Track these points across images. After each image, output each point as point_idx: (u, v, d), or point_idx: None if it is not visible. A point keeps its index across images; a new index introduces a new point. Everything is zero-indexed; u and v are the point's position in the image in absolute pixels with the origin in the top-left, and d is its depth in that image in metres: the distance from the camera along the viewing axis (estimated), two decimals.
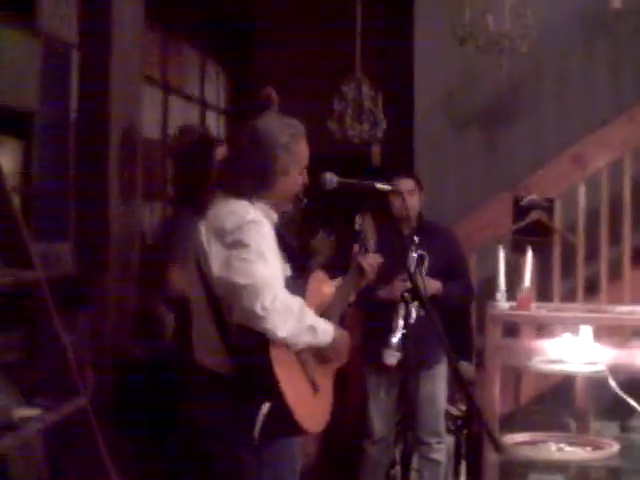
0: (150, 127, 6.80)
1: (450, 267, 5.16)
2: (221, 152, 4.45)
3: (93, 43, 5.83)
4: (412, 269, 4.33)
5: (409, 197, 5.11)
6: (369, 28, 6.81)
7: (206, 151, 4.64)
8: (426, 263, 4.79)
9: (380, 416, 5.24)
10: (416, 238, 4.77)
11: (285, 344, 3.20)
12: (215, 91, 8.59)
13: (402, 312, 4.58)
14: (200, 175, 4.60)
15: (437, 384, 5.17)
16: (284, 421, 3.22)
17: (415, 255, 4.73)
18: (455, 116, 6.89)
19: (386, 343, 4.46)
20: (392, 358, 4.41)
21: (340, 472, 5.71)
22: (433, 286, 4.92)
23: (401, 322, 4.43)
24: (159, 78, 7.16)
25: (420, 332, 4.10)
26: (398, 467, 5.54)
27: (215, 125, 8.35)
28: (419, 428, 5.10)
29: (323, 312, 3.44)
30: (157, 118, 7.13)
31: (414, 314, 4.10)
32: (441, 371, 5.18)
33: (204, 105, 8.23)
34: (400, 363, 4.42)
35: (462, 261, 5.40)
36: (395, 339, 4.47)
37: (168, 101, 7.28)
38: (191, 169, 4.72)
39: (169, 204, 6.78)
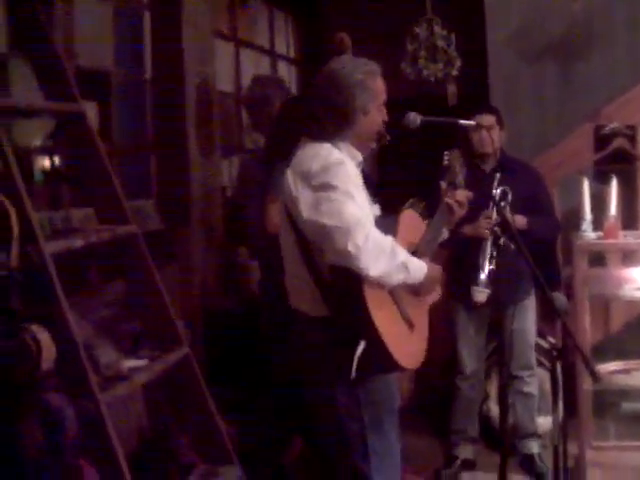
0: (223, 80, 6.83)
1: (534, 202, 5.13)
2: None
3: (163, 2, 5.89)
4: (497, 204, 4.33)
5: (490, 132, 5.08)
6: None
7: (295, 112, 4.65)
8: (509, 198, 4.76)
9: (470, 352, 5.26)
10: (497, 174, 4.76)
11: (378, 282, 3.23)
12: (285, 41, 8.59)
13: (489, 249, 4.60)
14: (291, 136, 4.63)
15: (527, 317, 5.17)
16: (380, 358, 3.25)
17: (498, 191, 4.72)
18: (529, 51, 6.79)
19: (475, 280, 4.47)
20: (481, 295, 4.42)
21: (433, 409, 5.76)
22: (518, 221, 4.89)
23: (488, 259, 4.45)
24: (229, 32, 7.19)
25: (508, 267, 4.10)
26: (490, 402, 5.59)
27: (287, 75, 8.35)
28: (510, 362, 5.11)
29: (415, 250, 3.45)
30: (229, 72, 7.17)
31: (502, 248, 4.09)
32: (529, 304, 5.18)
33: (275, 56, 8.24)
34: (489, 299, 4.44)
35: (546, 196, 5.36)
36: (483, 276, 4.48)
37: (239, 54, 7.30)
38: (282, 131, 4.74)
39: (252, 151, 6.80)
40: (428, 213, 3.67)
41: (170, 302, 4.18)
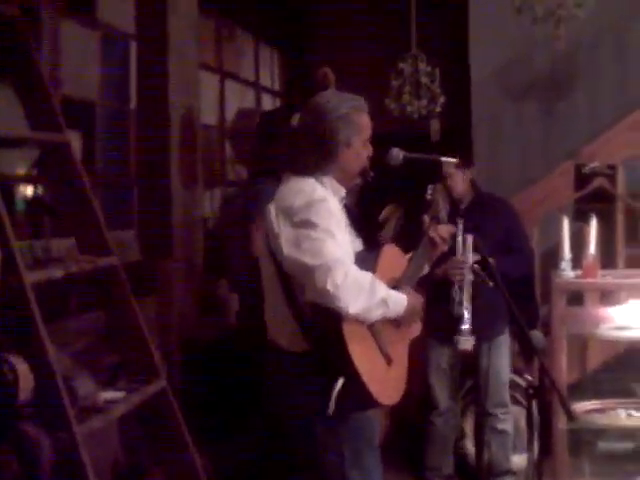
0: (208, 113, 6.86)
1: (507, 239, 5.15)
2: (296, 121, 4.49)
3: (150, 33, 5.91)
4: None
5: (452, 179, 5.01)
6: (423, 3, 6.80)
7: (280, 121, 4.69)
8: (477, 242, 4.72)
9: (443, 387, 5.27)
10: (460, 221, 4.71)
11: (357, 319, 3.24)
12: (270, 74, 8.63)
13: (466, 294, 4.59)
14: (278, 144, 4.66)
15: (501, 354, 5.19)
16: (359, 395, 3.24)
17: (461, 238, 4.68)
18: (512, 87, 6.86)
19: (458, 329, 4.44)
20: (467, 343, 4.39)
21: (409, 445, 5.75)
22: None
23: (466, 305, 4.41)
24: (214, 64, 7.22)
25: (484, 303, 4.11)
26: (466, 440, 5.59)
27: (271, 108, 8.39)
28: (485, 399, 5.13)
29: (396, 285, 3.46)
30: (214, 103, 7.20)
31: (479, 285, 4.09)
32: (504, 341, 5.20)
33: (259, 88, 8.28)
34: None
35: (519, 232, 5.37)
36: (466, 326, 4.45)
37: (224, 86, 7.34)
38: (269, 138, 4.77)
39: (234, 184, 6.83)
40: (410, 247, 3.68)
41: (149, 334, 4.17)
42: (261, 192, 4.37)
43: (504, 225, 5.16)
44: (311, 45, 8.51)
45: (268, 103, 8.46)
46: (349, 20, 7.93)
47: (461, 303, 4.35)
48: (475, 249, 4.05)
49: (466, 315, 4.42)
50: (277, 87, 8.79)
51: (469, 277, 4.10)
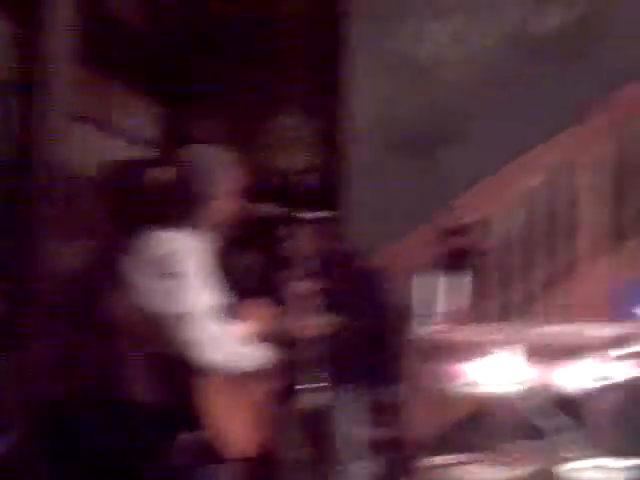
0: (82, 164, 6.80)
1: (366, 296, 5.19)
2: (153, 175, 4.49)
3: (23, 82, 5.87)
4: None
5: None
6: (301, 60, 6.87)
7: (139, 175, 4.67)
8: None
9: (293, 440, 5.25)
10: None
11: (217, 371, 3.24)
12: (147, 126, 8.60)
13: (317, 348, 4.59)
14: (134, 201, 4.63)
15: (353, 409, 5.18)
16: (216, 447, 3.27)
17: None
18: (387, 143, 6.96)
19: (308, 387, 4.44)
20: (316, 398, 4.39)
21: None
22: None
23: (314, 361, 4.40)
24: (91, 114, 7.18)
25: (339, 358, 4.12)
26: None
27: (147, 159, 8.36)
28: (333, 453, 5.12)
29: (258, 337, 3.48)
30: (89, 154, 7.14)
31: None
32: (353, 396, 5.20)
33: (136, 140, 8.24)
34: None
35: (376, 289, 5.40)
36: (314, 380, 4.44)
37: (100, 137, 7.29)
38: (126, 195, 4.75)
39: (107, 235, 6.77)
40: (273, 301, 3.71)
41: (4, 388, 4.10)
42: (120, 251, 4.36)
43: (360, 281, 5.20)
44: (187, 98, 8.52)
45: (142, 154, 8.41)
46: (226, 74, 7.97)
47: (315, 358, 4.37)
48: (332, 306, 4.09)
49: (317, 370, 4.44)
50: (155, 139, 8.75)
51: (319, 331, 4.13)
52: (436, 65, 6.10)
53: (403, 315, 5.68)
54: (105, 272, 4.60)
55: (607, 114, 6.15)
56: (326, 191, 6.68)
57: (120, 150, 7.87)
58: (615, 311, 4.67)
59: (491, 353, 5.14)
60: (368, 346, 3.80)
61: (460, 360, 5.49)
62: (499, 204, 6.20)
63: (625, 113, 6.14)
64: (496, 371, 4.99)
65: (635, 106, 6.11)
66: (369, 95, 6.91)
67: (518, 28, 6.72)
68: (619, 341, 4.66)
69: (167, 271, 3.26)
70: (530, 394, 4.85)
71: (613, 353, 4.76)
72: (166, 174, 3.52)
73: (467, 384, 5.00)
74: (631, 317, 4.41)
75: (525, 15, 6.03)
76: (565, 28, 5.73)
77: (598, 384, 4.74)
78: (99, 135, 7.34)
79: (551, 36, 6.29)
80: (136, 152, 8.25)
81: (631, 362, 4.66)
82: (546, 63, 6.77)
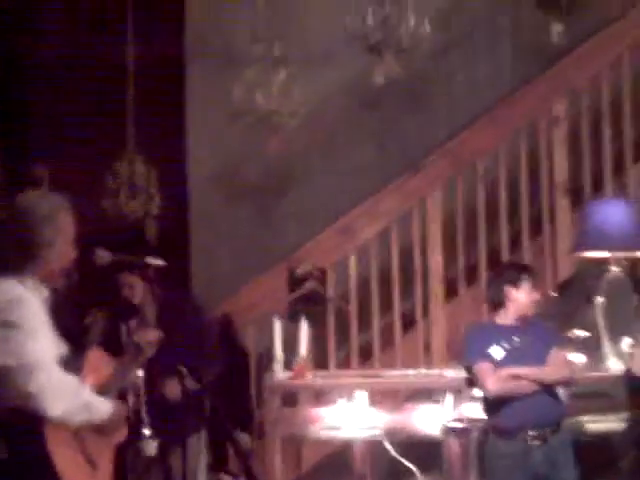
0: None
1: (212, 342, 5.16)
2: None
3: None
4: None
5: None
6: (140, 104, 6.83)
7: None
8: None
9: None
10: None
11: (60, 422, 3.15)
12: None
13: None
14: None
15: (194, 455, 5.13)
16: None
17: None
18: (228, 191, 6.98)
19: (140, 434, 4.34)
20: (151, 449, 4.30)
21: None
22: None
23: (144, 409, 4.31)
24: None
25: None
26: None
27: None
28: None
29: (101, 389, 3.40)
30: None
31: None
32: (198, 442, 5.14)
33: None
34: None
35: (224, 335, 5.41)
36: (147, 430, 4.34)
37: None
38: None
39: None
40: (117, 351, 3.65)
41: None
42: None
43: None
44: (30, 141, 8.32)
45: None
46: (65, 118, 7.83)
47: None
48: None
49: (147, 419, 4.34)
50: None
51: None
52: (273, 114, 6.14)
53: (255, 361, 5.72)
54: None
55: (444, 162, 6.36)
56: (167, 238, 6.63)
57: None
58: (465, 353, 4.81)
59: (343, 398, 5.22)
60: (218, 392, 3.76)
61: (316, 405, 5.56)
62: (338, 253, 6.30)
63: (461, 161, 6.36)
64: (350, 415, 5.07)
65: (471, 154, 6.34)
66: (210, 143, 6.93)
67: (355, 78, 6.86)
68: (470, 382, 4.81)
69: (5, 321, 3.17)
70: (385, 437, 4.94)
71: (468, 393, 4.91)
72: (3, 221, 3.43)
73: (324, 428, 5.06)
74: (484, 358, 4.55)
75: (362, 66, 6.16)
76: (402, 79, 5.86)
77: (453, 425, 4.88)
78: None
79: (388, 86, 6.50)
80: None
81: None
82: (384, 112, 6.96)
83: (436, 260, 6.28)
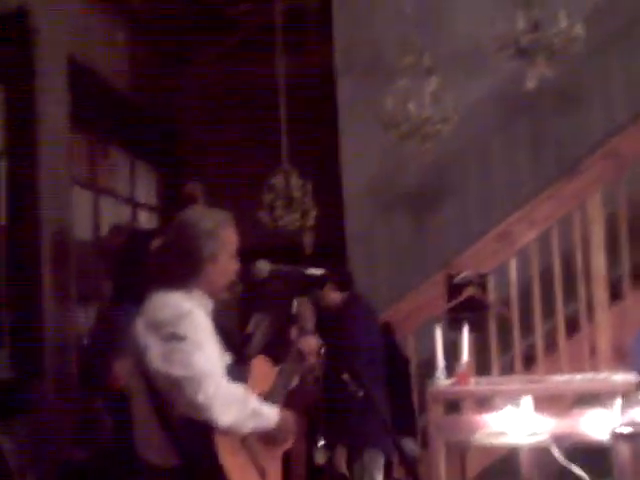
0: (82, 228, 6.80)
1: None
2: (157, 244, 4.46)
3: (20, 150, 5.87)
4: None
5: None
6: (294, 119, 6.94)
7: (142, 244, 4.65)
8: None
9: None
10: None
11: (230, 431, 3.21)
12: (146, 190, 8.63)
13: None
14: (138, 268, 4.61)
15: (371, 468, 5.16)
16: None
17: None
18: (383, 201, 7.01)
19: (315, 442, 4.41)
20: (321, 457, 4.36)
21: None
22: None
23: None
24: (88, 179, 7.20)
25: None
26: None
27: (147, 223, 8.37)
28: None
29: (266, 397, 3.45)
30: (88, 219, 7.15)
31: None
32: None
33: (135, 204, 8.27)
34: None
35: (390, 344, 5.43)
36: (322, 441, 4.40)
37: (99, 202, 7.31)
38: (129, 263, 4.72)
39: (108, 301, 6.77)
40: (279, 359, 3.69)
41: (20, 454, 4.04)
42: (120, 320, 4.33)
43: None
44: (186, 161, 8.56)
45: (145, 219, 8.44)
46: (222, 136, 8.03)
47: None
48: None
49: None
50: (153, 203, 8.78)
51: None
52: (426, 122, 6.14)
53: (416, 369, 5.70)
54: (110, 335, 4.59)
55: (604, 163, 6.22)
56: (324, 250, 6.70)
57: (122, 214, 7.88)
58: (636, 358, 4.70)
59: (507, 404, 5.15)
60: (384, 402, 3.76)
61: (480, 411, 5.50)
62: (497, 259, 6.24)
63: (623, 161, 6.20)
64: (516, 422, 4.98)
65: (633, 153, 6.18)
66: (363, 154, 6.98)
67: (507, 83, 6.80)
68: None
69: (173, 334, 3.24)
70: (553, 443, 4.83)
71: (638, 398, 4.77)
72: (168, 237, 3.51)
73: (489, 435, 4.99)
74: None
75: (513, 70, 6.10)
76: (555, 81, 5.78)
77: (622, 430, 4.74)
78: (99, 199, 7.34)
79: (541, 89, 6.40)
80: (139, 216, 8.26)
81: None
82: (537, 116, 6.88)
83: (599, 262, 6.14)
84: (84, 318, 6.81)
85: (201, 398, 3.12)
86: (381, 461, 5.23)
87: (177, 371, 3.17)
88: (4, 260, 5.87)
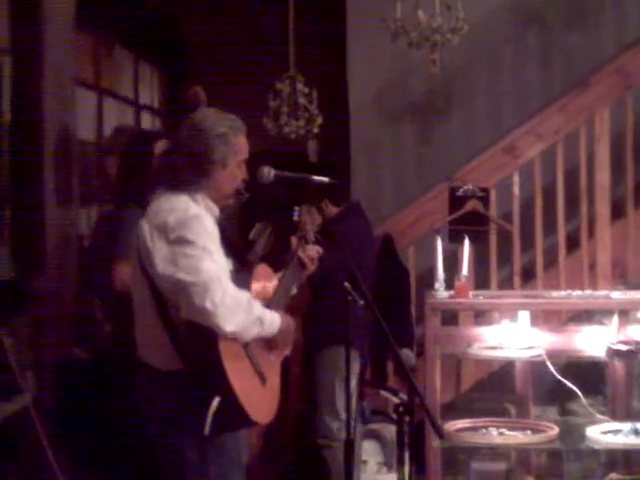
0: (85, 129, 6.76)
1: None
2: (160, 146, 4.43)
3: (24, 48, 5.79)
4: None
5: None
6: (302, 25, 6.85)
7: (145, 146, 4.63)
8: None
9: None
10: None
11: (234, 337, 3.23)
12: (149, 92, 8.57)
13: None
14: (141, 171, 4.59)
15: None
16: (234, 414, 3.24)
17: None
18: (389, 110, 6.96)
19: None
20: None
21: (281, 466, 5.74)
22: None
23: None
24: (92, 80, 7.13)
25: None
26: None
27: (150, 126, 8.33)
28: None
29: (268, 304, 3.47)
30: (92, 121, 7.10)
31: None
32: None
33: (139, 106, 8.21)
34: None
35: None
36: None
37: (102, 103, 7.25)
38: (132, 165, 4.69)
39: (111, 201, 6.77)
40: (280, 267, 3.70)
41: (20, 350, 4.07)
42: (123, 222, 4.32)
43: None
44: (190, 63, 8.46)
45: (148, 121, 8.39)
46: (227, 40, 7.93)
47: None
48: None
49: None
50: (156, 105, 8.72)
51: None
52: (435, 31, 6.04)
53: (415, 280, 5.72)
54: (112, 237, 4.59)
55: (613, 79, 6.15)
56: (327, 158, 6.67)
57: (125, 116, 7.84)
58: None
59: (504, 318, 5.18)
60: (383, 309, 3.76)
61: (477, 324, 5.55)
62: (501, 173, 6.21)
63: (632, 78, 6.13)
64: (512, 336, 5.02)
65: None
66: (371, 62, 6.90)
67: None
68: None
69: (180, 237, 3.23)
70: (547, 357, 4.88)
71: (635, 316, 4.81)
72: (178, 139, 3.47)
73: (486, 347, 5.04)
74: None
75: None
76: None
77: (618, 347, 4.78)
78: (103, 100, 7.29)
79: (552, 1, 6.30)
80: (142, 118, 8.22)
81: None
82: (548, 28, 6.80)
83: (603, 178, 6.11)
84: (86, 220, 6.82)
85: (208, 304, 3.13)
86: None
87: (184, 276, 3.17)
88: (7, 159, 5.84)
